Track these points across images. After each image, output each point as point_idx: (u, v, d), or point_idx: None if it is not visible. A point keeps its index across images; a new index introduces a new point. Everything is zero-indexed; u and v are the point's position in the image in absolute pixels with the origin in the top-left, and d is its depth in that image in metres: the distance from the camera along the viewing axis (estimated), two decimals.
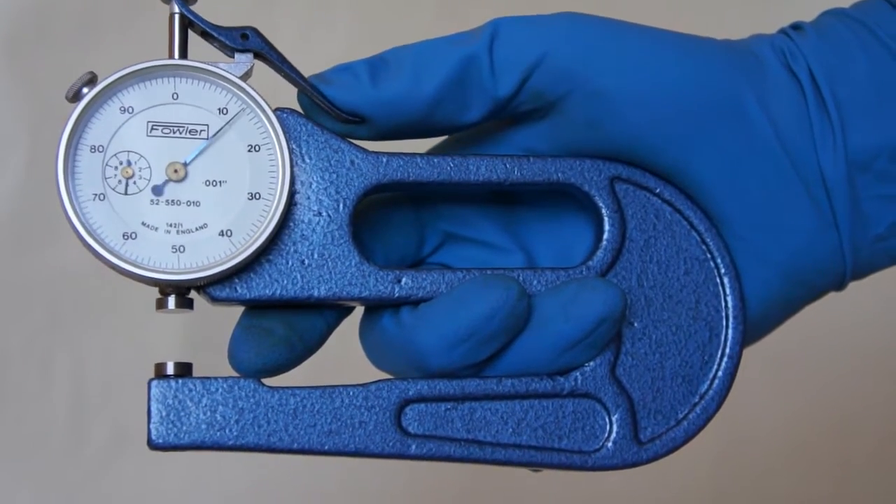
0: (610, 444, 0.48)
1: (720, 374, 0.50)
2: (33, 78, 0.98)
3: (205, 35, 0.47)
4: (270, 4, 1.02)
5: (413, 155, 0.48)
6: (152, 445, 0.46)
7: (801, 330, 0.83)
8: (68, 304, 0.95)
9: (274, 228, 0.45)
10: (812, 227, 0.49)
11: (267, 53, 0.47)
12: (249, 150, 0.45)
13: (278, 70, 0.47)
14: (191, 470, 0.96)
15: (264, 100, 0.46)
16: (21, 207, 0.97)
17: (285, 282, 0.46)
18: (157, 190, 0.45)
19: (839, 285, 0.51)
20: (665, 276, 0.49)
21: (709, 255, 0.49)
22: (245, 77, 0.47)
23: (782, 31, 0.51)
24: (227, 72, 0.46)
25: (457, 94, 0.47)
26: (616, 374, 0.49)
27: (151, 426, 0.46)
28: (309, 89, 0.47)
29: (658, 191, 0.49)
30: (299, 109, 0.48)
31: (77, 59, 0.99)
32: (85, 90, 0.45)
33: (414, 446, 0.47)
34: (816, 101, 0.48)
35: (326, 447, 0.46)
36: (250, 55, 0.47)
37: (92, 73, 0.46)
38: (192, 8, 0.47)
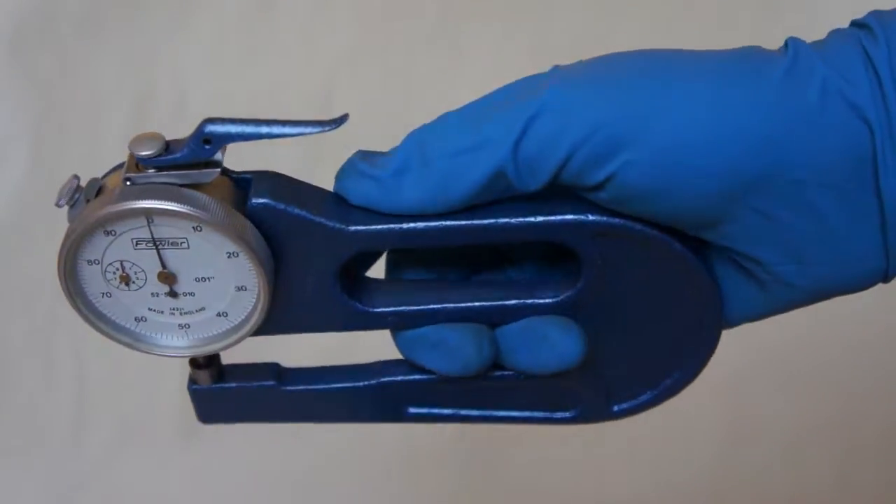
0: (581, 410, 0.52)
1: (695, 364, 0.51)
2: (36, 76, 0.99)
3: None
4: (271, 4, 1.03)
5: (398, 223, 0.47)
6: (202, 421, 0.53)
7: (804, 329, 0.83)
8: None
9: (263, 313, 0.48)
10: (853, 261, 0.48)
11: (235, 137, 0.46)
12: (229, 257, 0.47)
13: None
14: (195, 466, 0.96)
15: (234, 212, 0.46)
16: (24, 203, 0.97)
17: (285, 329, 0.50)
18: (154, 289, 0.48)
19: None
20: (641, 295, 0.49)
21: (691, 273, 0.49)
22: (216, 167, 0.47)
23: (855, 34, 0.47)
24: (191, 207, 0.46)
25: (486, 195, 0.47)
26: (591, 362, 0.50)
27: (197, 413, 0.53)
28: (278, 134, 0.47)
29: (644, 234, 0.48)
30: (275, 168, 0.48)
31: (80, 58, 0.99)
32: (76, 195, 0.47)
33: (411, 418, 0.52)
34: (883, 132, 0.46)
35: (340, 420, 0.52)
36: (220, 158, 0.47)
37: (76, 176, 0.47)
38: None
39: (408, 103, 1.01)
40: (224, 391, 0.51)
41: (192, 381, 0.52)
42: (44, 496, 0.95)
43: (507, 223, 0.47)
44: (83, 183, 0.47)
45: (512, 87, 0.48)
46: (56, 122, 0.98)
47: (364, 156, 0.48)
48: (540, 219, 0.47)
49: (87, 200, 0.46)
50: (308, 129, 0.46)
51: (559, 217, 0.47)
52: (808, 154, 0.46)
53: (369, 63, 1.02)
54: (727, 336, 0.51)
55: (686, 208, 0.46)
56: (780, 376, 0.99)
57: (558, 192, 0.47)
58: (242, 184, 0.47)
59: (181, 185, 0.46)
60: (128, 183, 0.46)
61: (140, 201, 0.46)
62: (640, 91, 0.46)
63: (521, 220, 0.47)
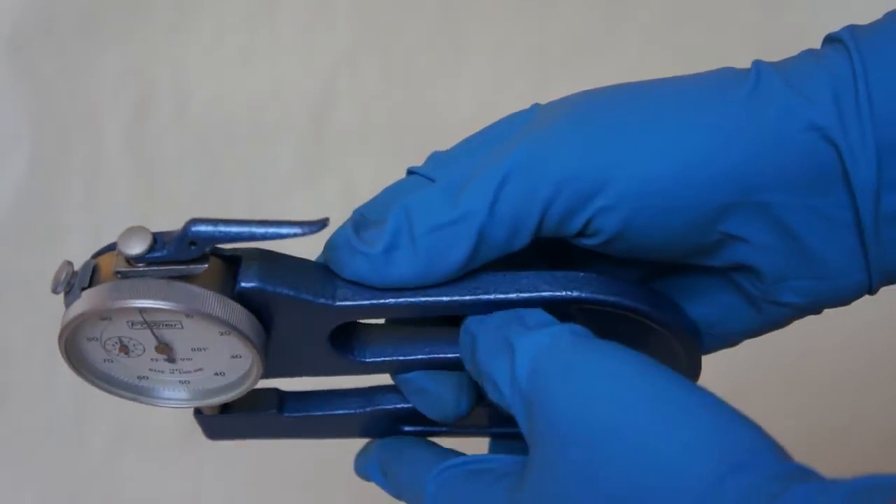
0: None
1: None
2: (36, 76, 0.99)
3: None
4: (271, 4, 1.03)
5: (384, 298, 0.48)
6: (209, 438, 0.55)
7: (808, 338, 0.83)
8: None
9: (258, 376, 0.50)
10: (835, 275, 0.48)
11: (219, 240, 0.46)
12: (222, 334, 0.48)
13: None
14: (195, 468, 0.96)
15: (224, 300, 0.47)
16: (24, 204, 0.97)
17: (282, 375, 0.51)
18: (153, 356, 0.50)
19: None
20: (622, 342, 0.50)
21: (671, 328, 0.50)
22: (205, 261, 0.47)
23: (825, 51, 0.47)
24: (181, 304, 0.47)
25: (475, 262, 0.48)
26: None
27: (204, 432, 0.55)
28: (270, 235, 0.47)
29: (621, 306, 0.49)
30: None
31: (80, 58, 0.99)
32: (72, 282, 0.48)
33: (407, 434, 0.55)
34: (854, 149, 0.45)
35: (338, 436, 0.55)
36: (207, 256, 0.47)
37: (69, 262, 0.48)
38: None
39: (408, 103, 1.01)
40: (228, 417, 0.53)
41: (197, 409, 0.53)
42: (44, 497, 0.95)
43: (488, 299, 0.48)
44: (77, 267, 0.48)
45: (496, 130, 0.49)
46: (56, 122, 0.98)
47: (356, 228, 0.48)
48: (524, 295, 0.48)
49: (82, 289, 0.47)
50: (292, 231, 0.46)
51: (539, 294, 0.48)
52: (772, 176, 0.46)
53: (369, 63, 1.02)
54: None
55: (665, 242, 0.47)
56: (782, 385, 0.99)
57: (550, 243, 0.49)
58: (231, 262, 0.48)
59: (171, 278, 0.47)
60: (119, 276, 0.47)
61: (131, 300, 0.47)
62: (604, 137, 0.46)
63: (502, 296, 0.48)
